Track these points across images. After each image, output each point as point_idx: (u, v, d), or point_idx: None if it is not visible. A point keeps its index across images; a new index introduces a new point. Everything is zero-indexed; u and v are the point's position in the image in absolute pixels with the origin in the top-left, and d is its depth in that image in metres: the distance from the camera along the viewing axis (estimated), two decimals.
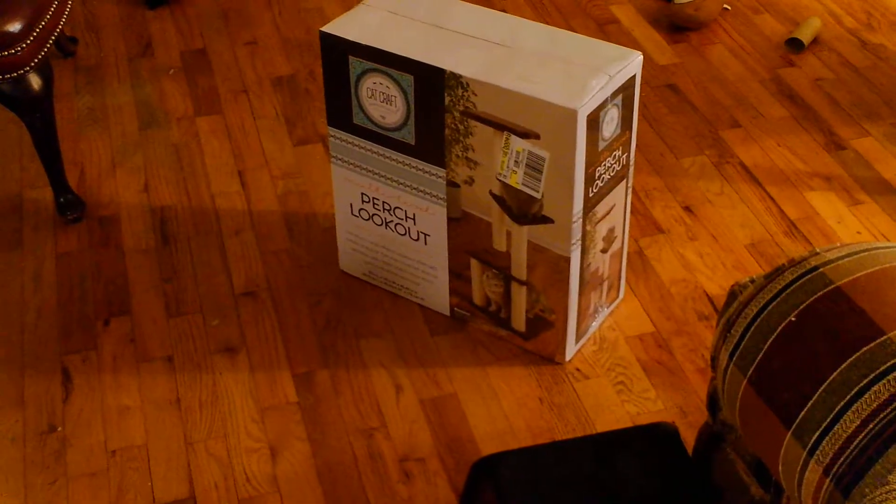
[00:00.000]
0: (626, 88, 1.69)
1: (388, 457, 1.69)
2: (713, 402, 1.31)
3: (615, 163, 1.75)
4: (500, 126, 1.67)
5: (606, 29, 2.68)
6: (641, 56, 1.71)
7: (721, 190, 2.20)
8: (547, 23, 2.70)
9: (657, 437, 1.31)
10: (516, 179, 1.70)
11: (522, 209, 1.72)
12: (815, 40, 2.64)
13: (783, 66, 2.56)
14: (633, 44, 2.63)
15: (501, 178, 1.71)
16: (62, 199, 2.11)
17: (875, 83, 2.50)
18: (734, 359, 1.06)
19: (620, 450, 1.28)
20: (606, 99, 1.65)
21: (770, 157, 2.28)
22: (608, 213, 1.79)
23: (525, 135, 1.65)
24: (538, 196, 1.69)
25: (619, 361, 1.85)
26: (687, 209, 2.16)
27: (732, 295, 1.24)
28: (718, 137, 2.34)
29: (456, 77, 1.66)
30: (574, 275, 1.75)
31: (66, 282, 2.00)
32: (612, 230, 1.82)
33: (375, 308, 1.94)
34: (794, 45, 2.59)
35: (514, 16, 1.79)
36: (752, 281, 1.21)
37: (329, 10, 2.75)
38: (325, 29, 1.77)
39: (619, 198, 1.81)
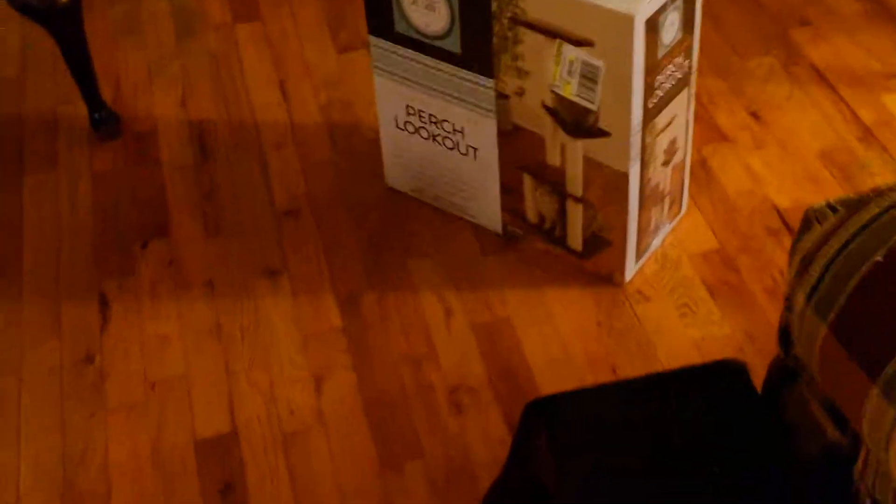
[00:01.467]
0: None
1: (437, 387, 1.61)
2: (786, 337, 1.20)
3: (676, 70, 1.62)
4: (551, 33, 1.54)
5: None
6: None
7: (790, 93, 2.07)
8: None
9: (724, 374, 1.21)
10: (570, 90, 1.58)
11: (577, 121, 1.60)
12: None
13: None
14: None
15: (554, 89, 1.59)
16: (97, 115, 2.02)
17: None
18: (812, 301, 0.95)
19: (683, 390, 1.19)
20: (667, 2, 1.52)
21: (843, 57, 2.14)
22: (669, 123, 1.67)
23: (578, 42, 1.53)
24: (594, 108, 1.57)
25: (681, 282, 1.74)
26: (753, 115, 2.03)
27: (807, 222, 1.12)
28: (787, 37, 2.20)
29: None
30: (633, 191, 1.64)
31: (102, 203, 1.92)
32: (673, 142, 1.70)
33: (423, 226, 1.84)
34: None
35: None
36: (830, 207, 1.10)
37: None
38: None
39: (681, 107, 1.69)
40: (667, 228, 1.81)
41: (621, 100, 1.54)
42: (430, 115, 1.75)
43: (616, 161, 1.61)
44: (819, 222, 1.05)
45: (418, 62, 1.71)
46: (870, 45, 2.16)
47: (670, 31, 1.56)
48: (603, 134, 1.59)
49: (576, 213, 1.70)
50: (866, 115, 2.01)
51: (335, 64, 2.17)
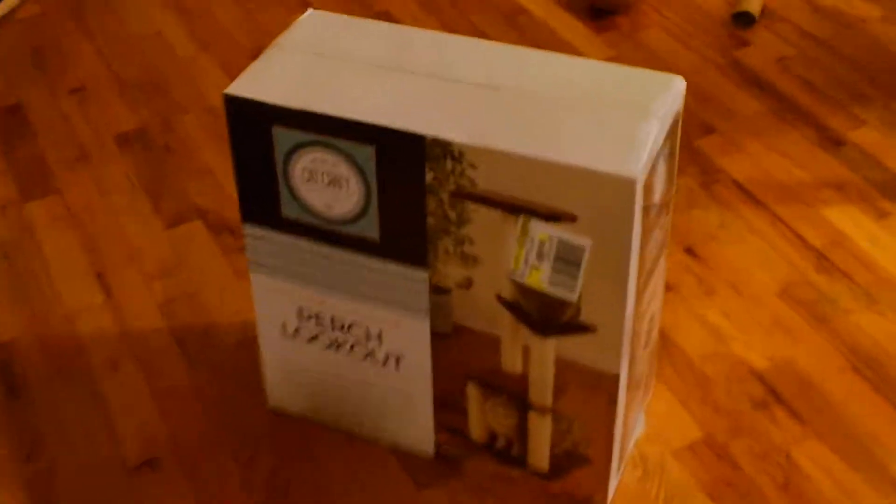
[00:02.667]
0: (672, 131, 1.21)
1: None
2: None
3: (660, 232, 1.26)
4: (513, 208, 1.15)
5: (517, 22, 2.18)
6: (684, 82, 1.22)
7: (721, 220, 1.74)
8: (443, 21, 2.18)
9: None
10: (540, 278, 1.19)
11: (548, 317, 1.22)
12: (762, 11, 2.20)
13: (738, 47, 2.11)
14: (553, 38, 2.14)
15: (516, 279, 1.20)
16: None
17: (847, 56, 2.08)
18: None
19: None
20: (658, 151, 1.15)
21: (763, 168, 1.84)
22: (652, 298, 1.30)
23: (553, 217, 1.14)
24: (572, 298, 1.19)
25: (675, 490, 1.37)
26: (689, 252, 1.69)
27: None
28: (695, 149, 1.88)
29: (443, 145, 1.14)
30: (622, 394, 1.26)
31: None
32: (652, 319, 1.34)
33: (332, 459, 1.40)
34: (743, 19, 2.15)
35: (498, 42, 1.28)
36: None
37: (171, 34, 2.17)
38: (233, 90, 1.21)
39: (661, 273, 1.33)
40: (641, 420, 1.44)
41: (613, 285, 1.16)
42: (334, 318, 1.33)
43: (602, 360, 1.22)
44: None
45: (317, 253, 1.28)
46: (785, 148, 1.87)
47: (660, 184, 1.20)
48: (585, 329, 1.21)
49: (542, 428, 1.31)
50: (814, 238, 1.71)
51: (165, 243, 1.71)
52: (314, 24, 1.31)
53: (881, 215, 1.74)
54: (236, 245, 1.69)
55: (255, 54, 2.11)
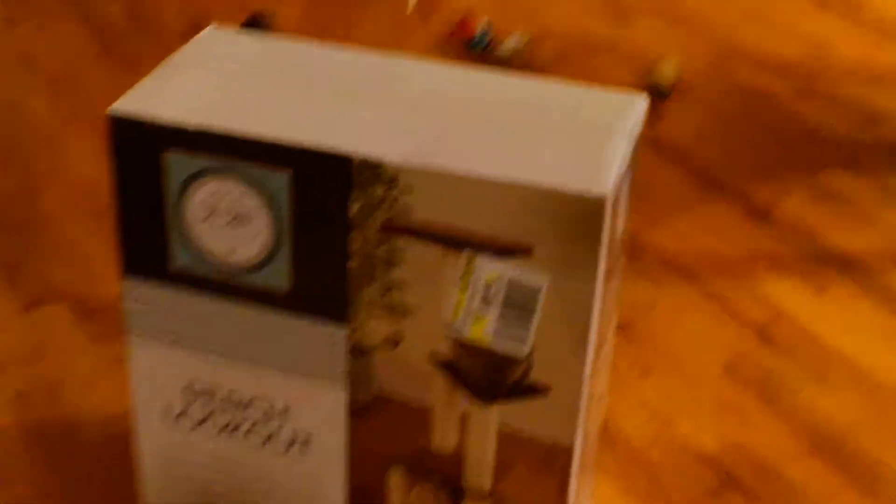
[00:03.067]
0: (633, 157, 1.04)
1: None
2: None
3: (615, 273, 1.09)
4: (456, 242, 0.96)
5: None
6: (645, 101, 1.06)
7: (651, 298, 1.58)
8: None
9: None
10: (484, 330, 1.00)
11: (493, 378, 1.02)
12: (673, 86, 2.09)
13: (652, 121, 1.98)
14: None
15: (455, 332, 1.00)
16: None
17: (764, 128, 1.97)
18: None
19: None
20: (623, 174, 0.98)
21: (690, 243, 1.69)
22: (605, 360, 1.12)
23: (504, 251, 0.96)
24: (523, 353, 0.99)
25: None
26: (621, 329, 1.52)
27: None
28: None
29: (373, 167, 0.95)
30: (575, 472, 1.07)
31: None
32: (602, 389, 1.16)
33: None
34: (656, 92, 2.03)
35: (421, 60, 1.10)
36: None
37: (34, 103, 1.95)
38: (118, 108, 1.01)
39: (611, 326, 1.15)
40: None
41: (572, 335, 0.98)
42: (229, 393, 1.11)
43: (555, 428, 1.03)
44: None
45: (212, 312, 1.07)
46: (710, 224, 1.73)
47: (621, 220, 1.03)
48: (535, 392, 1.01)
49: None
50: (752, 312, 1.55)
51: (22, 329, 1.47)
52: (215, 40, 1.12)
53: (820, 290, 1.60)
54: (103, 331, 1.46)
55: None
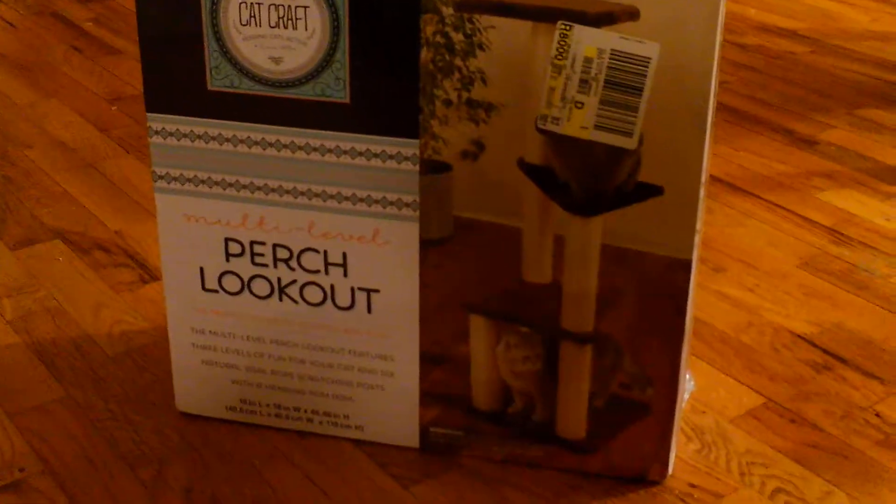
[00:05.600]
0: None
1: None
2: None
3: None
4: (548, 12, 0.83)
5: None
6: None
7: (710, 209, 1.45)
8: None
9: None
10: (584, 120, 0.86)
11: (595, 183, 0.88)
12: None
13: None
14: None
15: (549, 126, 0.87)
16: None
17: (788, 79, 1.87)
18: None
19: None
20: None
21: (739, 164, 1.57)
22: (707, 171, 0.99)
23: (605, 18, 0.83)
24: (632, 145, 0.86)
25: (753, 458, 1.01)
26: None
27: None
28: None
29: None
30: (691, 300, 0.92)
31: None
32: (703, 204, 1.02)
33: (279, 469, 1.00)
34: None
35: None
36: None
37: (11, 86, 1.81)
38: None
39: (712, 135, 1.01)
40: (688, 377, 1.09)
41: (690, 116, 0.84)
42: (278, 245, 0.96)
43: (672, 240, 0.89)
44: None
45: (256, 143, 0.92)
46: (758, 149, 1.62)
47: None
48: (649, 194, 0.87)
49: (579, 368, 0.95)
50: (820, 217, 1.43)
51: (14, 264, 1.31)
52: None
53: (887, 196, 1.48)
54: (102, 263, 1.31)
55: (111, 99, 1.77)
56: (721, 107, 1.75)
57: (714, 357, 1.15)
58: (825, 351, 1.16)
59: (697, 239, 0.90)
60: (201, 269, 0.99)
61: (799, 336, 1.19)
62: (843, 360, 1.15)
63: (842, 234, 1.39)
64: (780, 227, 1.40)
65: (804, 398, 1.09)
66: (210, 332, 1.01)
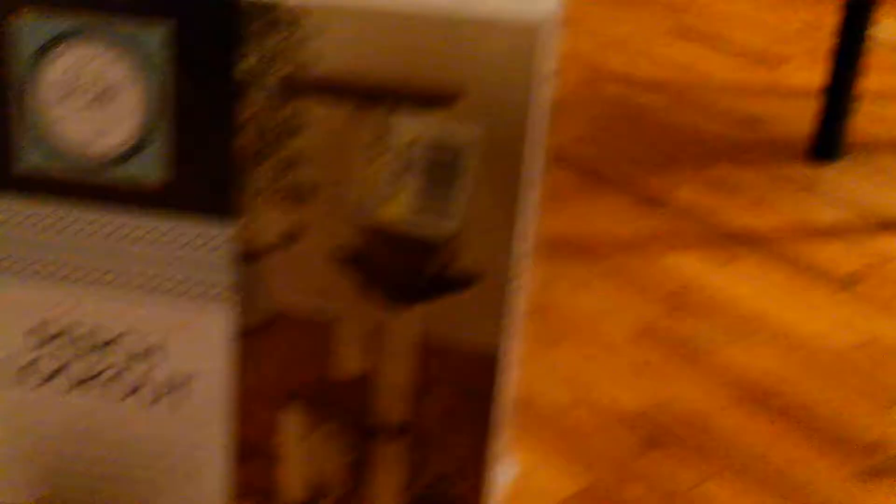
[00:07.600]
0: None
1: None
2: None
3: (543, 118, 0.95)
4: (370, 95, 0.82)
5: None
6: None
7: (544, 277, 1.45)
8: None
9: None
10: (400, 208, 0.84)
11: (412, 268, 0.86)
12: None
13: None
14: None
15: (365, 215, 0.85)
16: None
17: (644, 134, 1.89)
18: None
19: None
20: (556, 8, 0.86)
21: (582, 227, 1.57)
22: (526, 255, 0.98)
23: (425, 101, 0.81)
24: (451, 228, 0.85)
25: None
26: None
27: None
28: None
29: (266, 9, 0.80)
30: (506, 388, 0.91)
31: None
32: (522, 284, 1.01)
33: None
34: None
35: None
36: None
37: None
38: None
39: (529, 241, 1.01)
40: (508, 462, 1.08)
41: (503, 198, 0.83)
42: (89, 331, 0.93)
43: (482, 331, 0.88)
44: None
45: (67, 224, 0.89)
46: (599, 211, 1.62)
47: (551, 40, 0.89)
48: (463, 283, 0.86)
49: (391, 462, 0.93)
50: (660, 285, 1.44)
51: None
52: None
53: (727, 260, 1.50)
54: None
55: None
56: (571, 164, 1.76)
57: (538, 439, 1.15)
58: (651, 429, 1.17)
59: (515, 321, 0.89)
60: (7, 359, 0.94)
61: (624, 414, 1.19)
62: (664, 441, 1.15)
63: (679, 303, 1.39)
64: (619, 295, 1.41)
65: (627, 479, 1.09)
66: (15, 421, 0.96)
